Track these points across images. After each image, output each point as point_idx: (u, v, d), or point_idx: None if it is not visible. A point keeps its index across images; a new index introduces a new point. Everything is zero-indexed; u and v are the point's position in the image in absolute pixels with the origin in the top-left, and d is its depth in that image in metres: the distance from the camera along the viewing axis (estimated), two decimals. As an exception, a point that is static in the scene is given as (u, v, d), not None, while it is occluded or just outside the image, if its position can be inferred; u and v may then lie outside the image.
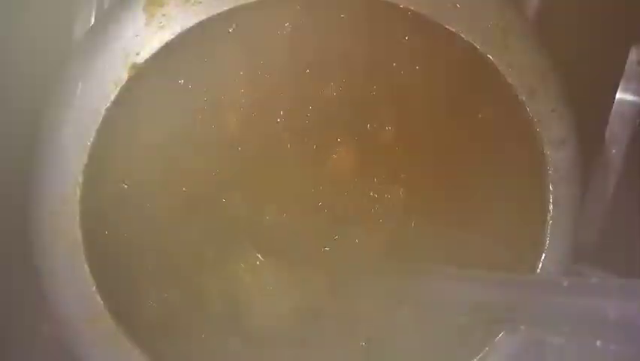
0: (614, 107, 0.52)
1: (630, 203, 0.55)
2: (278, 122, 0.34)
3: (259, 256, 0.36)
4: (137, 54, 0.30)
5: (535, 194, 0.37)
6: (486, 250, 0.44)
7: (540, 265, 0.37)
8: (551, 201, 0.36)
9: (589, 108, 0.55)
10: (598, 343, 0.22)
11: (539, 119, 0.34)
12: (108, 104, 0.30)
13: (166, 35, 0.30)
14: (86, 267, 0.32)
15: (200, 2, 0.30)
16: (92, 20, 0.40)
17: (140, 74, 0.30)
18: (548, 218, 0.37)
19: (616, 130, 0.53)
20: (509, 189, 0.39)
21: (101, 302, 0.32)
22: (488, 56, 0.33)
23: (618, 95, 0.52)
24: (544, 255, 0.37)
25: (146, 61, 0.30)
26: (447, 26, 0.32)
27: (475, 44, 0.33)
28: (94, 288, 0.32)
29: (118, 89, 0.30)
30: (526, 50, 0.34)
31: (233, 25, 0.31)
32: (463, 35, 0.33)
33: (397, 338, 0.39)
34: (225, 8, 0.30)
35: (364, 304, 0.37)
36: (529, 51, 0.34)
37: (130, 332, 0.33)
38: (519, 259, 0.39)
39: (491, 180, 0.40)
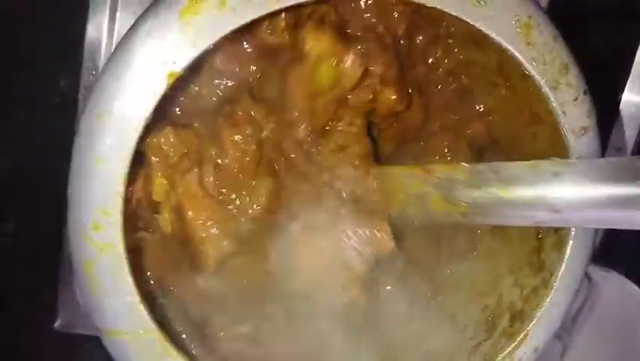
0: (621, 106, 0.53)
1: None
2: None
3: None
4: (174, 62, 0.30)
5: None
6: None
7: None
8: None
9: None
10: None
11: (563, 110, 0.35)
12: (147, 114, 0.30)
13: (202, 43, 0.30)
14: (129, 278, 0.31)
15: (235, 9, 0.30)
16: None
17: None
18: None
19: (621, 131, 0.54)
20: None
21: (145, 313, 0.32)
22: (513, 50, 0.34)
23: (625, 95, 0.53)
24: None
25: (184, 69, 0.30)
26: (472, 23, 0.33)
27: (499, 39, 0.34)
28: (138, 299, 0.32)
29: (157, 97, 0.30)
30: (547, 43, 0.34)
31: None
32: (488, 31, 0.33)
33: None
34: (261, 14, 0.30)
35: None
36: (550, 44, 0.35)
37: (172, 342, 0.33)
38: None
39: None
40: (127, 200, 0.31)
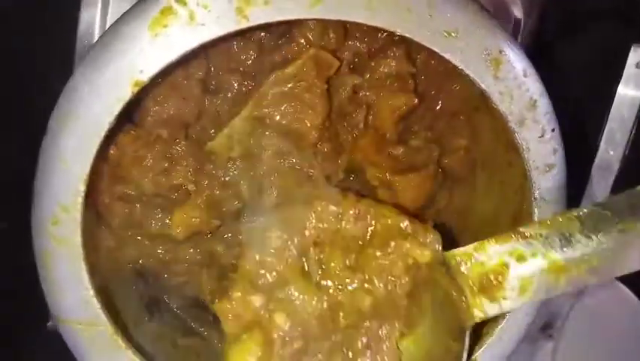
0: (612, 109, 0.53)
1: None
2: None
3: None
4: (141, 71, 0.31)
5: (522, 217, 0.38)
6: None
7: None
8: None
9: (586, 110, 0.57)
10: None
11: (528, 145, 0.36)
12: (111, 119, 0.31)
13: (169, 55, 0.31)
14: (85, 273, 0.33)
15: (204, 25, 0.31)
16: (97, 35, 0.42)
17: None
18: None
19: (613, 132, 0.54)
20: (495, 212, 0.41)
21: (98, 306, 0.34)
22: (481, 84, 0.34)
23: (616, 98, 0.53)
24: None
25: (150, 79, 0.31)
26: (442, 54, 0.33)
27: (468, 72, 0.34)
28: (92, 292, 0.33)
29: (121, 104, 0.31)
30: (517, 78, 0.35)
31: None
32: (457, 63, 0.34)
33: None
34: (229, 30, 0.31)
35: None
36: (520, 80, 0.35)
37: (125, 335, 0.35)
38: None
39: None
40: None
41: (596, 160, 0.56)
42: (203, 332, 0.44)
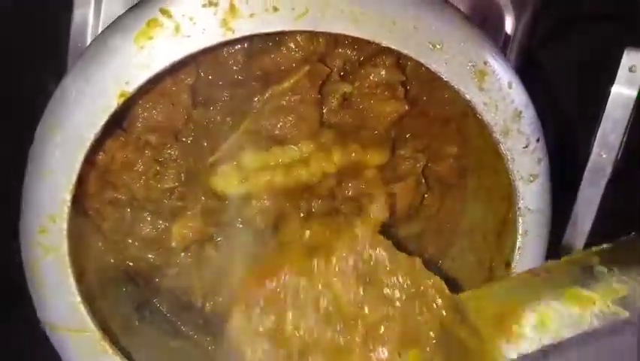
0: (605, 112, 0.53)
1: (619, 206, 0.56)
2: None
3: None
4: (127, 83, 0.31)
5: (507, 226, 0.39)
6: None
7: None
8: (520, 232, 0.38)
9: (579, 113, 0.57)
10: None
11: (512, 156, 0.36)
12: (97, 130, 0.31)
13: (155, 66, 0.31)
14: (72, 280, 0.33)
15: (190, 36, 0.31)
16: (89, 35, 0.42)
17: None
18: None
19: (606, 135, 0.54)
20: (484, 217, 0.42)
21: (85, 313, 0.34)
22: (466, 95, 0.34)
23: (609, 101, 0.53)
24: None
25: (135, 90, 0.31)
26: (427, 65, 0.34)
27: (453, 83, 0.34)
28: (79, 299, 0.34)
29: (107, 115, 0.31)
30: (502, 89, 0.35)
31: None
32: (442, 74, 0.34)
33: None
34: (215, 42, 0.31)
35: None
36: (505, 91, 0.35)
37: (112, 340, 0.35)
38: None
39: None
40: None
41: (589, 163, 0.56)
42: (193, 335, 0.44)
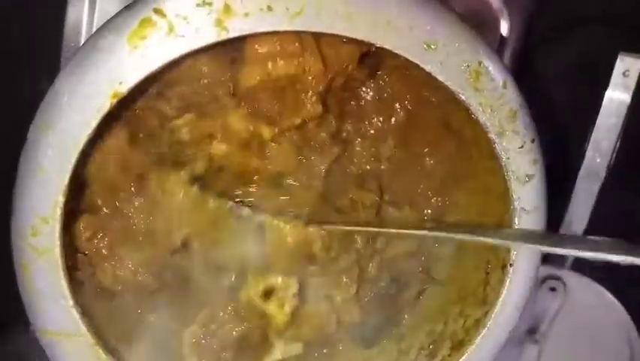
0: (599, 116, 0.54)
1: (613, 210, 0.57)
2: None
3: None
4: (120, 83, 0.31)
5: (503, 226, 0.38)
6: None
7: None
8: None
9: (572, 118, 0.57)
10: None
11: (508, 156, 0.36)
12: (90, 131, 0.31)
13: (148, 66, 0.31)
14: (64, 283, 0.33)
15: (183, 36, 0.31)
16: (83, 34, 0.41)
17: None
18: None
19: (600, 139, 0.54)
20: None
21: (77, 317, 0.34)
22: (461, 95, 0.34)
23: (603, 105, 0.53)
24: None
25: (129, 91, 0.31)
26: (422, 66, 0.34)
27: (448, 84, 0.34)
28: (71, 303, 0.33)
29: (100, 115, 0.31)
30: (497, 89, 0.35)
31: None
32: (437, 75, 0.34)
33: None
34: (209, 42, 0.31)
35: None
36: (500, 91, 0.35)
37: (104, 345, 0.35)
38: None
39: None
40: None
41: (582, 168, 0.56)
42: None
